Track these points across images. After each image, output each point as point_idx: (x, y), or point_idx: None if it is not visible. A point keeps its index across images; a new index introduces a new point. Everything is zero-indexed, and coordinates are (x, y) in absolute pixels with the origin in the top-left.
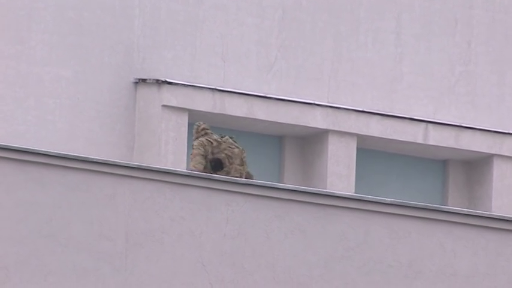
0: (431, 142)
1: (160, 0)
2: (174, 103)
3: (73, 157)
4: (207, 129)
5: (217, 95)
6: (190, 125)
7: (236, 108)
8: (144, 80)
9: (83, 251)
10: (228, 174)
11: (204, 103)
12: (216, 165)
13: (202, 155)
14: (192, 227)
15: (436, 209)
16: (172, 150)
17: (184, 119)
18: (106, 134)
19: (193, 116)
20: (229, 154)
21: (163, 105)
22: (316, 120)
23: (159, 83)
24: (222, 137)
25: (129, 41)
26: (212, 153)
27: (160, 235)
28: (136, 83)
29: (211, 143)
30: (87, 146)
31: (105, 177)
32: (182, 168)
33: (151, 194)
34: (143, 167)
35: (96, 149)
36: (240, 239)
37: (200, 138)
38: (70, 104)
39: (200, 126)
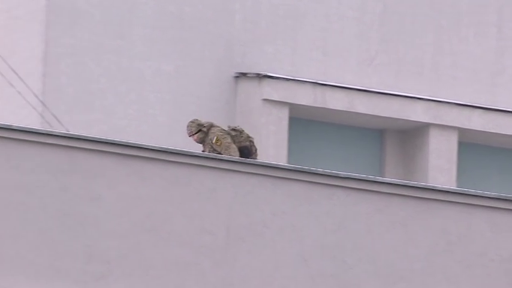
0: None
1: None
2: (274, 97)
3: (174, 151)
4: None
5: (318, 88)
6: (291, 119)
7: (337, 101)
8: (244, 74)
9: (184, 245)
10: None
11: (305, 97)
12: (245, 152)
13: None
14: (293, 220)
15: None
16: (273, 144)
17: (284, 113)
18: None
19: (294, 109)
20: (252, 141)
21: (264, 99)
22: (417, 113)
23: (260, 77)
24: (232, 128)
25: (229, 35)
26: (237, 142)
27: (262, 229)
28: (237, 77)
29: (229, 133)
30: (188, 140)
31: (206, 171)
32: (283, 161)
33: (252, 188)
34: (244, 161)
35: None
36: (341, 233)
37: (216, 129)
38: (171, 98)
39: (202, 123)
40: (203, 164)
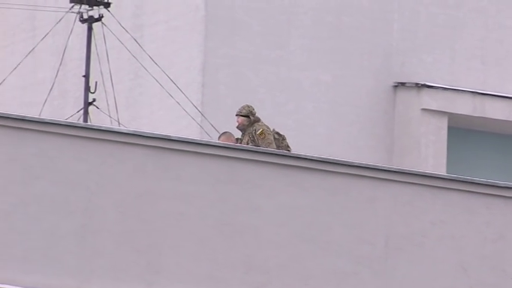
0: None
1: (419, 4)
2: (433, 106)
3: (333, 161)
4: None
5: (478, 98)
6: (450, 129)
7: (497, 111)
8: (403, 84)
9: (343, 255)
10: None
11: (464, 106)
12: None
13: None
14: (452, 230)
15: None
16: (432, 154)
17: (443, 123)
18: (365, 137)
19: (453, 119)
20: (288, 149)
21: (423, 109)
22: None
23: (419, 86)
24: (276, 132)
25: (388, 45)
26: (276, 146)
27: (421, 239)
28: (395, 86)
29: (273, 134)
30: (347, 149)
31: (365, 181)
32: (442, 171)
33: (411, 197)
34: (403, 171)
35: (355, 152)
36: (501, 243)
37: (263, 124)
38: (329, 108)
39: (253, 112)
40: (362, 173)
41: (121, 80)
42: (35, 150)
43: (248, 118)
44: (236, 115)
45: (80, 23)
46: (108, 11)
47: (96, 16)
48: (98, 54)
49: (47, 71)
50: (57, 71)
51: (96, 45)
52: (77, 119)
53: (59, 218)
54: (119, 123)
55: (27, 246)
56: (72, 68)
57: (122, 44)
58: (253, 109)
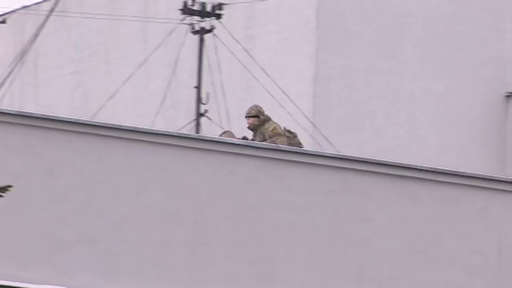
0: None
1: None
2: None
3: (445, 171)
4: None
5: None
6: None
7: None
8: None
9: (455, 266)
10: None
11: None
12: None
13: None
14: None
15: None
16: None
17: None
18: (477, 147)
19: None
20: (300, 146)
21: None
22: None
23: None
24: (288, 130)
25: (500, 55)
26: (288, 143)
27: None
28: (508, 96)
29: (284, 133)
30: (459, 159)
31: (477, 192)
32: None
33: None
34: None
35: (467, 162)
36: None
37: (274, 122)
38: (441, 118)
39: (263, 112)
40: (474, 184)
41: (232, 91)
42: (147, 161)
43: (258, 118)
44: (246, 117)
45: (191, 34)
46: (220, 22)
47: (208, 27)
48: (209, 65)
49: (159, 82)
50: (169, 82)
51: (207, 56)
52: (189, 130)
53: (171, 229)
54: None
55: (139, 257)
56: (183, 79)
57: (234, 55)
58: (262, 108)
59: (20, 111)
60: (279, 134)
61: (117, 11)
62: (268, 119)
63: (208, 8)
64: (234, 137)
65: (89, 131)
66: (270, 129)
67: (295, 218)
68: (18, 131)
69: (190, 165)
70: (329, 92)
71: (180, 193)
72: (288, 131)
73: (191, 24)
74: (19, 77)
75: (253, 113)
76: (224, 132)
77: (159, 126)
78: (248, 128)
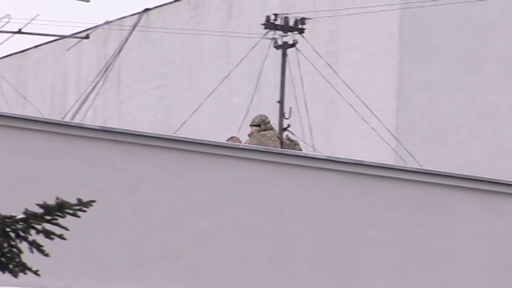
0: None
1: None
2: None
3: None
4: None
5: None
6: None
7: None
8: None
9: None
10: None
11: None
12: None
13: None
14: None
15: None
16: None
17: None
18: None
19: None
20: None
21: None
22: None
23: None
24: (288, 138)
25: None
26: None
27: None
28: None
29: (283, 141)
30: None
31: None
32: None
33: None
34: None
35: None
36: None
37: (272, 132)
38: None
39: (266, 121)
40: None
41: (315, 106)
42: (230, 176)
43: (259, 127)
44: (250, 125)
45: (274, 48)
46: (303, 36)
47: (290, 42)
48: (292, 80)
49: (241, 97)
50: (252, 97)
51: (290, 71)
52: None
53: (254, 243)
54: (314, 149)
55: (222, 271)
56: (266, 93)
57: (316, 69)
58: (267, 118)
59: (103, 126)
60: (254, 137)
61: (200, 26)
62: (269, 128)
63: (291, 23)
64: (240, 142)
65: (171, 146)
66: (262, 136)
67: (378, 233)
68: (101, 145)
69: (274, 179)
70: (412, 105)
71: (263, 207)
72: (289, 139)
73: (274, 39)
74: (102, 92)
75: (256, 122)
76: (231, 138)
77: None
78: (249, 136)
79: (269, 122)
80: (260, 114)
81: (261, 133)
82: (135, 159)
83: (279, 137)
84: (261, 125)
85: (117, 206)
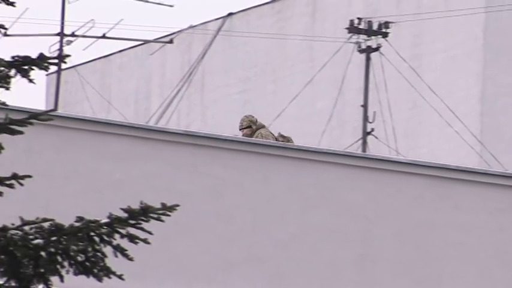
0: None
1: None
2: None
3: None
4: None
5: None
6: None
7: None
8: None
9: None
10: None
11: None
12: None
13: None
14: None
15: None
16: None
17: None
18: None
19: None
20: None
21: None
22: None
23: None
24: (281, 135)
25: None
26: None
27: None
28: None
29: (276, 138)
30: None
31: None
32: None
33: None
34: None
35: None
36: None
37: (264, 130)
38: None
39: (254, 121)
40: None
41: (399, 110)
42: (314, 180)
43: (250, 128)
44: (240, 130)
45: (358, 52)
46: (386, 40)
47: (374, 46)
48: (376, 84)
49: (325, 101)
50: (336, 101)
51: (374, 75)
52: (356, 148)
53: (337, 247)
54: (397, 153)
55: (306, 276)
56: (350, 97)
57: (400, 73)
58: (253, 118)
59: (186, 131)
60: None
61: (284, 30)
62: (261, 127)
63: (375, 27)
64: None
65: (255, 150)
66: (258, 137)
67: (463, 237)
68: (185, 150)
69: (357, 183)
70: (497, 109)
71: (347, 212)
72: (282, 136)
73: (358, 43)
74: (186, 96)
75: (245, 124)
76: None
77: (326, 144)
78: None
79: (257, 121)
80: (246, 116)
81: (256, 133)
82: (218, 163)
83: (272, 134)
84: (251, 125)
85: (201, 211)
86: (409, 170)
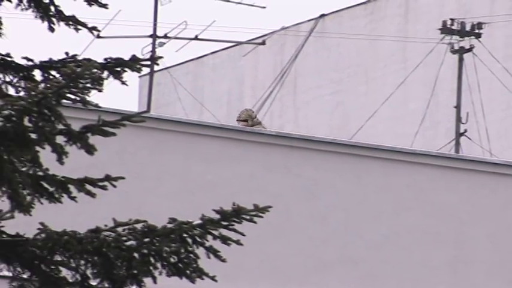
0: None
1: None
2: None
3: None
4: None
5: None
6: None
7: None
8: None
9: None
10: None
11: None
12: None
13: None
14: None
15: None
16: None
17: None
18: None
19: None
20: None
21: None
22: None
23: None
24: None
25: None
26: None
27: None
28: None
29: None
30: None
31: None
32: None
33: None
34: None
35: None
36: None
37: (260, 126)
38: None
39: (252, 117)
40: None
41: (492, 111)
42: (406, 181)
43: (246, 122)
44: (236, 120)
45: (450, 53)
46: (479, 41)
47: (467, 47)
48: (469, 85)
49: (418, 102)
50: (429, 102)
51: (467, 76)
52: (449, 149)
53: (431, 249)
54: (491, 154)
55: (400, 277)
56: (443, 99)
57: (493, 74)
58: (253, 113)
59: (279, 132)
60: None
61: (376, 31)
62: (257, 123)
63: (468, 27)
64: (253, 114)
65: (348, 151)
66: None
67: None
68: (278, 151)
69: (450, 185)
70: None
71: (440, 213)
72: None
73: (450, 44)
74: (279, 98)
75: (243, 117)
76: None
77: (418, 146)
78: None
79: (256, 117)
80: (246, 109)
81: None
82: (311, 164)
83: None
84: (248, 120)
85: (294, 212)
86: (503, 171)
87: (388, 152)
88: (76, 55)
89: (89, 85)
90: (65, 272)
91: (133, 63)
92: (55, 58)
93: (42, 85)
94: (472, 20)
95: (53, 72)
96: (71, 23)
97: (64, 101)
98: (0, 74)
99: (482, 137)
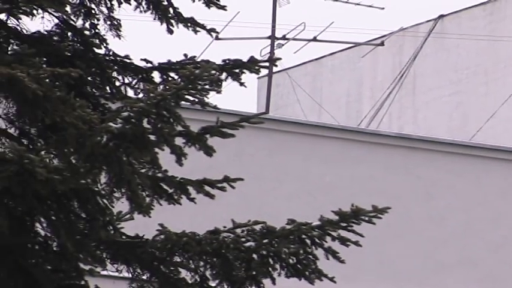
0: None
1: None
2: None
3: None
4: None
5: None
6: None
7: None
8: None
9: None
10: None
11: None
12: None
13: None
14: None
15: None
16: None
17: None
18: None
19: None
20: None
21: None
22: None
23: None
24: None
25: None
26: None
27: None
28: None
29: None
30: None
31: None
32: None
33: None
34: None
35: None
36: None
37: None
38: None
39: None
40: None
41: None
42: None
43: None
44: None
45: None
46: None
47: None
48: None
49: None
50: None
51: None
52: None
53: None
54: None
55: None
56: None
57: None
58: None
59: (399, 133)
60: None
61: (496, 32)
62: None
63: None
64: None
65: (467, 152)
66: None
67: None
68: (397, 152)
69: None
70: None
71: None
72: None
73: None
74: (398, 99)
75: None
76: None
77: None
78: None
79: None
80: None
81: None
82: (431, 165)
83: None
84: None
85: (413, 213)
86: None
87: (508, 152)
88: (194, 57)
89: (207, 87)
90: (184, 273)
91: (252, 65)
92: (174, 60)
93: (161, 87)
94: None
95: (172, 74)
96: (189, 24)
97: (183, 102)
98: (119, 75)
99: None
